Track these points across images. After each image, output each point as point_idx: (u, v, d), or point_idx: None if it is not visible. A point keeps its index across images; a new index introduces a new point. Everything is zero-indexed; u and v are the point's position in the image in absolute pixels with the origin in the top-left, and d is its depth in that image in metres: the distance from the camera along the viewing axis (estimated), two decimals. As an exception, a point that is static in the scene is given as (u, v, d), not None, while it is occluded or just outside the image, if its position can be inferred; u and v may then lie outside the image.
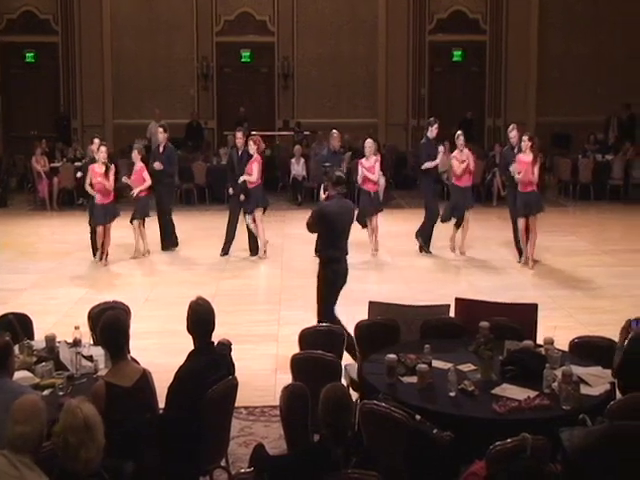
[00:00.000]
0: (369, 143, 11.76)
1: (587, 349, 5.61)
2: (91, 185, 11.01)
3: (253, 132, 18.44)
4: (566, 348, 5.66)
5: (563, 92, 19.83)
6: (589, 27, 19.79)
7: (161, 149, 12.14)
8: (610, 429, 4.09)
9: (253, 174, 11.26)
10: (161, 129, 12.23)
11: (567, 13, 19.82)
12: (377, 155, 11.86)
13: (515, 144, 11.19)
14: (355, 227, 11.14)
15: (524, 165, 10.75)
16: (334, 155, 11.69)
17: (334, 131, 12.07)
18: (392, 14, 19.77)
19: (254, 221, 11.34)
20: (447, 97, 20.14)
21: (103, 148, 11.10)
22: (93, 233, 11.34)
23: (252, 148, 11.38)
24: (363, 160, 11.71)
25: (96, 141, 11.43)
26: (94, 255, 11.40)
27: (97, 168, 10.96)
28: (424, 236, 11.74)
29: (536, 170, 10.80)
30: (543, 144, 18.77)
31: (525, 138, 10.88)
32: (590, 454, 4.01)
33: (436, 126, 11.66)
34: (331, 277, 7.07)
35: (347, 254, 7.22)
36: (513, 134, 11.28)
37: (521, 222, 11.01)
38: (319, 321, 6.86)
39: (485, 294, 9.41)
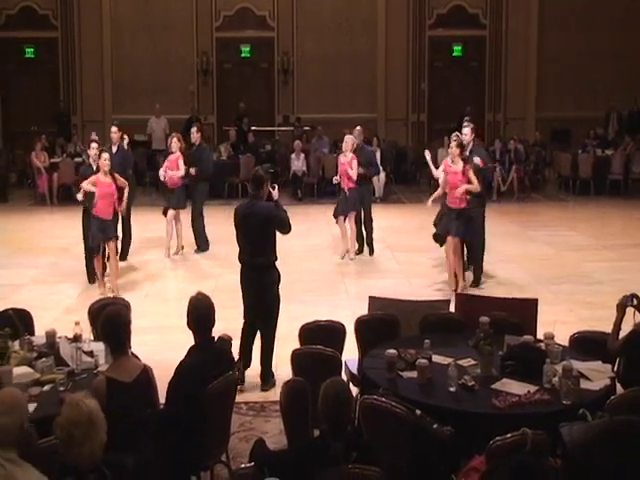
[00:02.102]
0: (348, 139, 11.33)
1: (587, 344, 5.62)
2: (85, 195, 9.49)
3: (253, 127, 18.59)
4: (566, 343, 5.67)
5: (563, 87, 19.81)
6: (589, 22, 19.75)
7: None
8: (610, 424, 4.09)
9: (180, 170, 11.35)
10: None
11: (567, 8, 19.77)
12: (373, 148, 11.68)
13: (466, 143, 9.53)
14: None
15: (451, 176, 9.21)
16: (361, 151, 11.48)
17: (358, 127, 11.78)
18: (392, 9, 19.75)
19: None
20: (447, 92, 20.12)
21: (105, 155, 9.46)
22: (89, 254, 9.81)
23: (175, 145, 11.40)
24: (341, 156, 11.49)
25: (94, 146, 10.06)
26: (91, 280, 9.92)
27: (102, 177, 9.36)
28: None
29: (463, 186, 9.03)
30: (543, 139, 18.87)
31: (453, 144, 9.25)
32: (590, 449, 4.02)
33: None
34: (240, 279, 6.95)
35: (263, 259, 6.81)
36: (466, 131, 9.67)
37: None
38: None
39: (485, 289, 9.44)
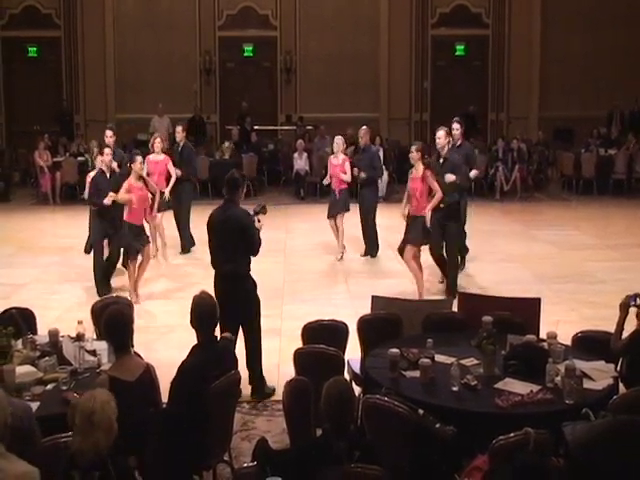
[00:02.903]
0: (339, 140, 11.12)
1: (590, 343, 5.61)
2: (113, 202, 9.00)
3: (255, 127, 18.59)
4: (569, 342, 5.66)
5: (566, 86, 19.79)
6: (592, 21, 19.72)
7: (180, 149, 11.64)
8: (613, 423, 4.09)
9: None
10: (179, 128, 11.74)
11: (570, 7, 19.74)
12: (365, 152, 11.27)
13: (441, 148, 9.22)
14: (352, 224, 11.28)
15: (411, 182, 8.91)
16: (364, 152, 11.41)
17: (363, 127, 11.58)
18: (395, 8, 19.73)
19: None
20: (450, 91, 20.10)
21: (139, 158, 9.12)
22: (98, 263, 9.42)
23: (158, 146, 11.03)
24: (331, 157, 11.31)
25: (107, 151, 9.42)
26: (101, 292, 9.16)
27: (134, 182, 9.01)
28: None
29: (428, 207, 8.67)
30: (546, 138, 18.86)
31: (413, 148, 8.95)
32: (593, 448, 4.01)
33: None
34: None
35: (234, 267, 6.50)
36: (440, 134, 9.21)
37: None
38: None
39: (487, 288, 9.43)
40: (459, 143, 10.03)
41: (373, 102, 19.99)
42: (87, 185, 9.81)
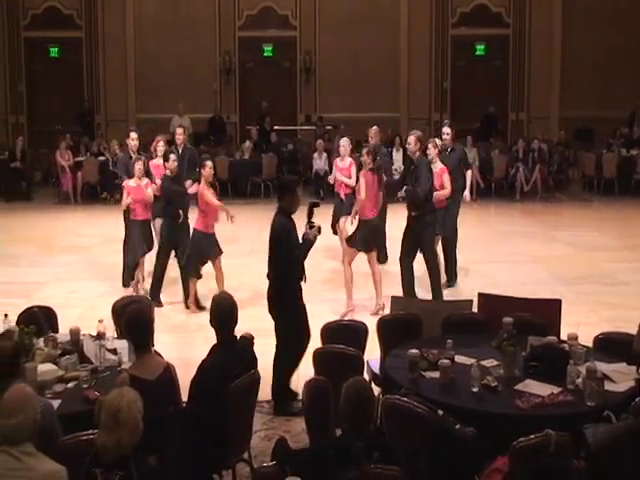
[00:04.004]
0: (345, 142, 10.50)
1: (611, 345, 5.57)
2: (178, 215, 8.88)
3: (275, 127, 18.62)
4: (590, 344, 5.63)
5: (587, 86, 19.64)
6: (613, 20, 19.55)
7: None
8: (635, 426, 4.06)
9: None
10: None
11: (591, 6, 19.59)
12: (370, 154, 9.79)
13: (412, 154, 8.68)
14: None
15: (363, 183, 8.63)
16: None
17: (374, 127, 11.13)
18: (414, 8, 19.69)
19: None
20: (470, 91, 20.02)
21: (209, 163, 8.84)
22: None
23: (161, 150, 9.85)
24: (338, 160, 10.59)
25: (173, 157, 9.01)
26: (158, 303, 8.82)
27: (207, 188, 8.73)
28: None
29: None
30: (567, 138, 18.74)
31: (364, 151, 8.77)
32: (614, 451, 3.99)
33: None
34: None
35: (269, 276, 6.53)
36: (410, 140, 8.62)
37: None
38: None
39: (507, 289, 9.38)
40: (450, 148, 9.72)
41: (393, 102, 19.95)
42: (155, 192, 9.24)
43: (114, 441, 3.58)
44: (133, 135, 10.23)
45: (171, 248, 9.10)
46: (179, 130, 10.51)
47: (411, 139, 8.58)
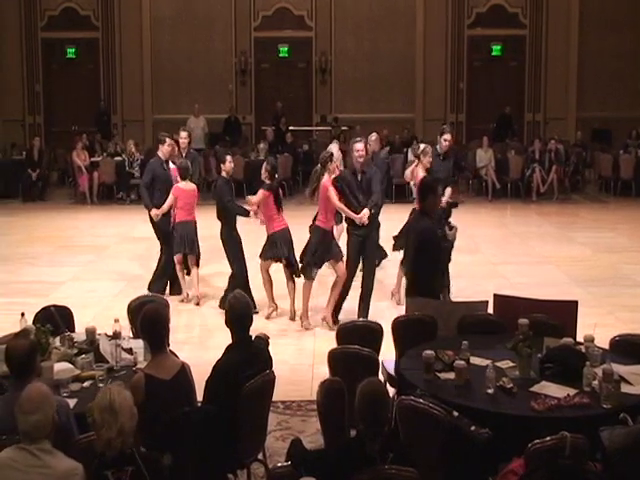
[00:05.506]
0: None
1: (628, 347, 5.53)
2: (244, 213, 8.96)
3: (290, 127, 18.63)
4: (606, 346, 5.59)
5: (604, 87, 19.55)
6: (630, 20, 19.47)
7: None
8: (652, 429, 4.03)
9: None
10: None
11: (608, 6, 19.51)
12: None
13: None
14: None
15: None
16: (372, 160, 11.08)
17: (373, 134, 10.87)
18: (430, 8, 19.67)
19: None
20: (486, 92, 19.99)
21: (228, 157, 8.96)
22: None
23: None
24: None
25: (229, 158, 8.95)
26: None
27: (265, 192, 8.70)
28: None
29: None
30: (583, 139, 18.66)
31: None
32: (631, 454, 3.96)
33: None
34: None
35: (406, 275, 6.81)
36: (358, 147, 8.36)
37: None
38: None
39: (523, 290, 9.34)
40: (444, 155, 9.22)
41: (408, 103, 19.93)
42: (218, 195, 8.97)
43: (116, 432, 3.59)
44: (183, 134, 9.99)
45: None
46: (183, 134, 10.10)
47: (359, 146, 8.34)
